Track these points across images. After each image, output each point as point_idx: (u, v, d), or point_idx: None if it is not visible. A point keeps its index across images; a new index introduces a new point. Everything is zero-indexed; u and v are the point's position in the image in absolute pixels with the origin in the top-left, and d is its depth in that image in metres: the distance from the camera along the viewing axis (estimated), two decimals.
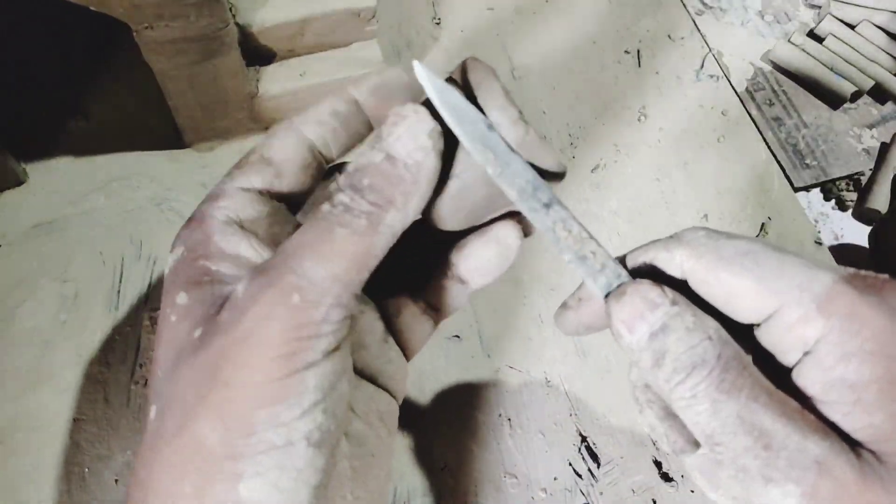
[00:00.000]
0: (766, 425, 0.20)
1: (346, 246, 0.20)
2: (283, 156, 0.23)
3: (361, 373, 0.24)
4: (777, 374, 0.22)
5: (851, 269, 0.21)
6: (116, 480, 0.41)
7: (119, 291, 0.46)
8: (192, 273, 0.21)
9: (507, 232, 0.25)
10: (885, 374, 0.19)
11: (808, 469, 0.19)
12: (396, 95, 0.24)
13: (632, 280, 0.22)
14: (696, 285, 0.22)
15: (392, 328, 0.26)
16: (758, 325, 0.22)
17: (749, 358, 0.21)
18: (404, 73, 0.25)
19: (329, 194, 0.21)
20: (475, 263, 0.26)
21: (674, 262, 0.23)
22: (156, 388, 0.21)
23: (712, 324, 0.21)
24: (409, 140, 0.21)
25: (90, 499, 0.40)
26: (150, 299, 0.46)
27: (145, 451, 0.20)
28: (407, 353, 0.26)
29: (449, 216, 0.24)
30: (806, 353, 0.21)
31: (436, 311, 0.26)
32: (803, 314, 0.20)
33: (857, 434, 0.20)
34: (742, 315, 0.22)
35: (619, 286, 0.22)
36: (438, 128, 0.22)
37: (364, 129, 0.25)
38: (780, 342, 0.21)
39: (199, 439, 0.19)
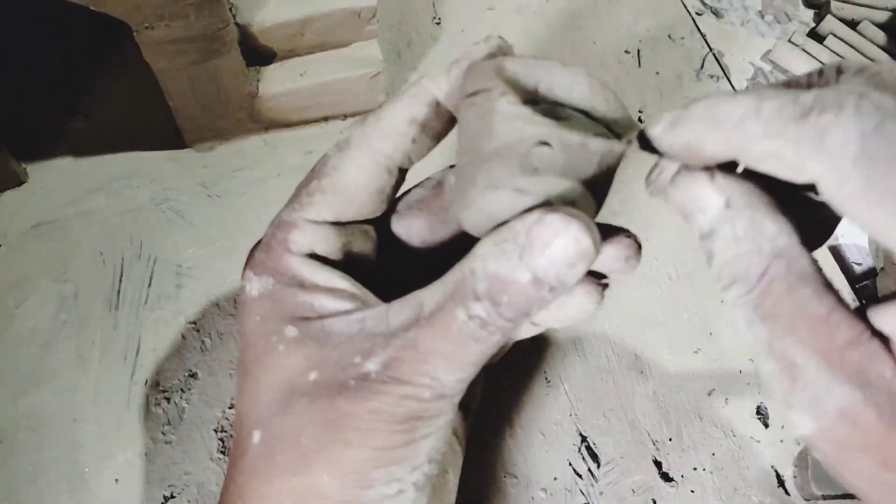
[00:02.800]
0: (796, 359, 0.18)
1: (477, 357, 0.21)
2: (356, 182, 0.23)
3: None
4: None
5: None
6: (116, 480, 0.41)
7: (119, 291, 0.46)
8: (294, 306, 0.22)
9: (587, 298, 0.23)
10: None
11: (828, 412, 0.17)
12: (482, 79, 0.21)
13: (684, 173, 0.19)
14: (839, 209, 0.17)
15: None
16: None
17: (813, 274, 0.18)
18: (481, 47, 0.22)
19: (463, 296, 0.20)
20: (548, 318, 0.24)
21: (804, 173, 0.17)
22: (259, 414, 0.22)
23: (770, 231, 0.18)
24: (565, 268, 0.19)
25: (90, 499, 0.40)
26: (150, 299, 0.46)
27: (248, 471, 0.22)
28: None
29: None
30: None
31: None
32: None
33: None
34: (885, 244, 0.18)
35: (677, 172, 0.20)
36: (594, 247, 0.19)
37: (447, 125, 0.23)
38: None
39: (317, 485, 0.21)
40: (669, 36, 0.62)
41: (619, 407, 0.45)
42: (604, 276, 0.24)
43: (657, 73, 0.60)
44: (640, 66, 0.60)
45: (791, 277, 0.18)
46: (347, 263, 0.24)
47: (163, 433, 0.42)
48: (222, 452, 0.42)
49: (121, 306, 0.46)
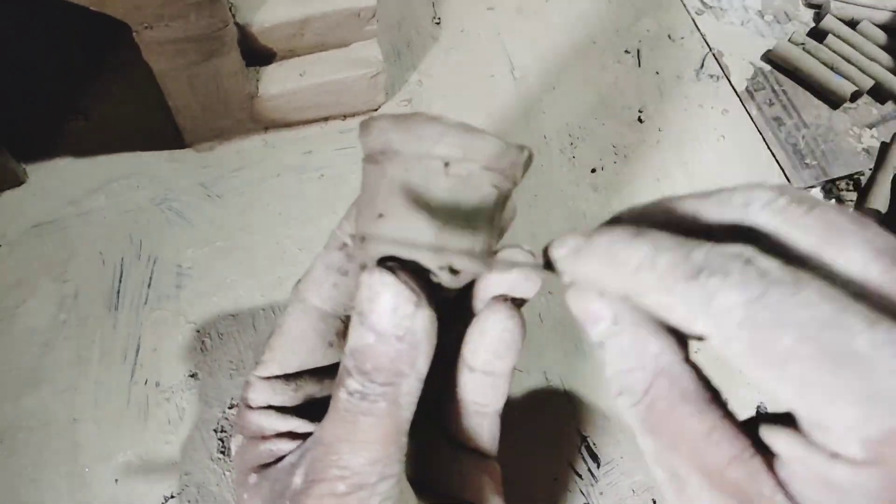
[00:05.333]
0: (680, 473, 0.19)
1: (375, 432, 0.21)
2: (294, 335, 0.25)
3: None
4: None
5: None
6: (116, 480, 0.41)
7: (119, 291, 0.46)
8: (256, 456, 0.24)
9: (503, 321, 0.23)
10: None
11: None
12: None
13: (576, 287, 0.20)
14: (718, 351, 0.18)
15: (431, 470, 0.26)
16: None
17: (695, 392, 0.19)
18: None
19: (342, 377, 0.21)
20: (478, 353, 0.24)
21: (692, 328, 0.18)
22: None
23: (653, 349, 0.19)
24: (391, 315, 0.21)
25: (90, 499, 0.40)
26: (150, 299, 0.46)
27: None
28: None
29: None
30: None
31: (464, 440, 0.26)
32: (845, 445, 0.16)
33: None
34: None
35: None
36: (411, 288, 0.20)
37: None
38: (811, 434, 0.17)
39: None
40: (669, 36, 0.62)
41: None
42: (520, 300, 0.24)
43: (657, 73, 0.60)
44: (639, 66, 0.60)
45: (672, 395, 0.19)
46: (309, 404, 0.25)
47: (163, 433, 0.42)
48: (222, 452, 0.42)
49: (121, 306, 0.46)
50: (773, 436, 0.18)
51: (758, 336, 0.16)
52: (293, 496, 0.22)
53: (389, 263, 0.21)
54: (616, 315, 0.20)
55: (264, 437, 0.25)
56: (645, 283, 0.18)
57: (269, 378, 0.25)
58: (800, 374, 0.16)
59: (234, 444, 0.26)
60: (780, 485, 0.17)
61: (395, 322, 0.21)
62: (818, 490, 0.17)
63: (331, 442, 0.22)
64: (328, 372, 0.26)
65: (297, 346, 0.25)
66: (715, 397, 0.19)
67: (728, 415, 0.19)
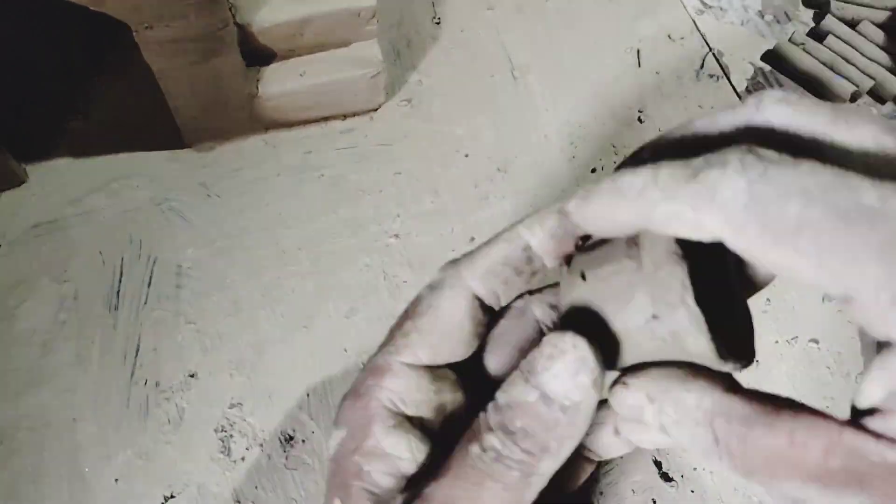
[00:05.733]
0: (797, 496, 0.18)
1: (497, 503, 0.19)
2: (451, 321, 0.22)
3: None
4: None
5: None
6: (116, 480, 0.41)
7: (119, 291, 0.46)
8: (347, 471, 0.21)
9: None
10: None
11: None
12: (572, 236, 0.22)
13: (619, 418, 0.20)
14: (738, 252, 0.18)
15: None
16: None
17: (753, 412, 0.18)
18: (578, 205, 0.22)
19: (478, 432, 0.20)
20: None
21: (703, 228, 0.18)
22: None
23: (692, 401, 0.19)
24: (568, 379, 0.19)
25: (90, 499, 0.40)
26: (150, 299, 0.46)
27: None
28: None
29: None
30: (890, 343, 0.17)
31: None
32: (881, 313, 0.16)
33: None
34: (797, 283, 0.18)
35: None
36: (598, 363, 0.19)
37: (539, 272, 0.23)
38: (854, 317, 0.17)
39: None
40: (669, 36, 0.62)
41: None
42: None
43: (657, 73, 0.60)
44: (640, 66, 0.60)
45: (736, 429, 0.18)
46: (441, 411, 0.23)
47: (163, 433, 0.42)
48: (222, 452, 0.42)
49: (121, 306, 0.46)
50: (859, 397, 0.17)
51: (767, 215, 0.16)
52: None
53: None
54: (647, 393, 0.19)
55: (364, 451, 0.21)
56: (651, 198, 0.18)
57: (414, 366, 0.22)
58: (815, 241, 0.16)
59: (336, 437, 0.22)
60: (885, 439, 0.16)
61: (569, 387, 0.19)
62: None
63: (443, 502, 0.19)
64: (468, 364, 0.24)
65: (452, 335, 0.22)
66: (780, 401, 0.18)
67: (803, 409, 0.18)
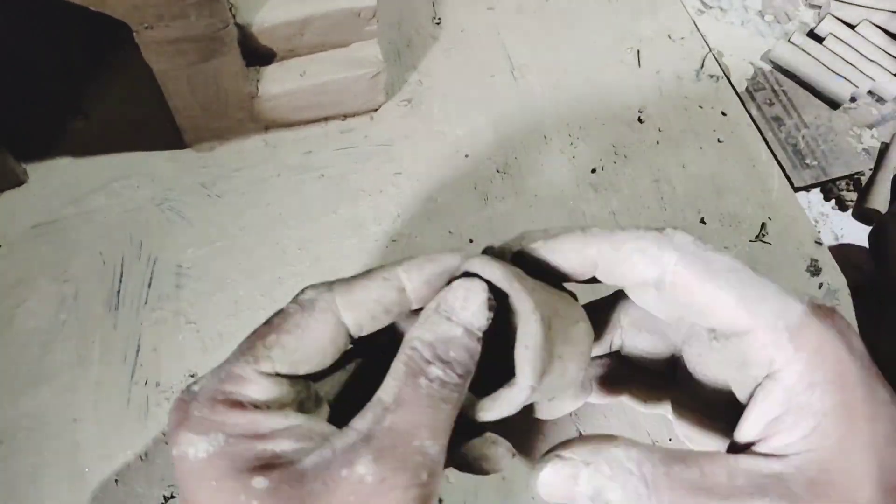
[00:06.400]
0: None
1: (450, 420, 0.23)
2: (316, 344, 0.24)
3: None
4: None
5: (813, 298, 0.24)
6: (116, 480, 0.41)
7: (119, 291, 0.46)
8: (257, 458, 0.22)
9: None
10: (841, 402, 0.22)
11: None
12: (445, 281, 0.26)
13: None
14: (677, 289, 0.24)
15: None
16: (715, 331, 0.25)
17: (667, 454, 0.23)
18: (456, 258, 0.26)
19: (418, 367, 0.23)
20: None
21: (660, 262, 0.24)
22: None
23: (620, 454, 0.23)
24: (481, 313, 0.24)
25: (90, 499, 0.40)
26: (150, 299, 0.46)
27: None
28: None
29: None
30: (768, 376, 0.23)
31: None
32: (775, 339, 0.22)
33: (807, 455, 0.22)
34: (713, 323, 0.24)
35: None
36: (493, 300, 0.24)
37: (403, 313, 0.26)
38: (747, 354, 0.23)
39: None
40: (669, 36, 0.62)
41: (618, 407, 0.45)
42: None
43: (657, 72, 0.60)
44: (640, 66, 0.60)
45: (661, 468, 0.22)
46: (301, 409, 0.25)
47: (163, 433, 0.42)
48: None
49: (121, 306, 0.46)
50: (743, 431, 0.24)
51: (706, 257, 0.24)
52: (359, 487, 0.21)
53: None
54: (583, 459, 0.23)
55: (261, 437, 0.22)
56: (619, 238, 0.25)
57: (272, 375, 0.24)
58: (739, 280, 0.24)
59: (199, 447, 0.22)
60: (770, 455, 0.22)
61: (480, 321, 0.24)
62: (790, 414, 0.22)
63: (408, 430, 0.22)
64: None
65: (314, 356, 0.24)
66: (686, 453, 0.23)
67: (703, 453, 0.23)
